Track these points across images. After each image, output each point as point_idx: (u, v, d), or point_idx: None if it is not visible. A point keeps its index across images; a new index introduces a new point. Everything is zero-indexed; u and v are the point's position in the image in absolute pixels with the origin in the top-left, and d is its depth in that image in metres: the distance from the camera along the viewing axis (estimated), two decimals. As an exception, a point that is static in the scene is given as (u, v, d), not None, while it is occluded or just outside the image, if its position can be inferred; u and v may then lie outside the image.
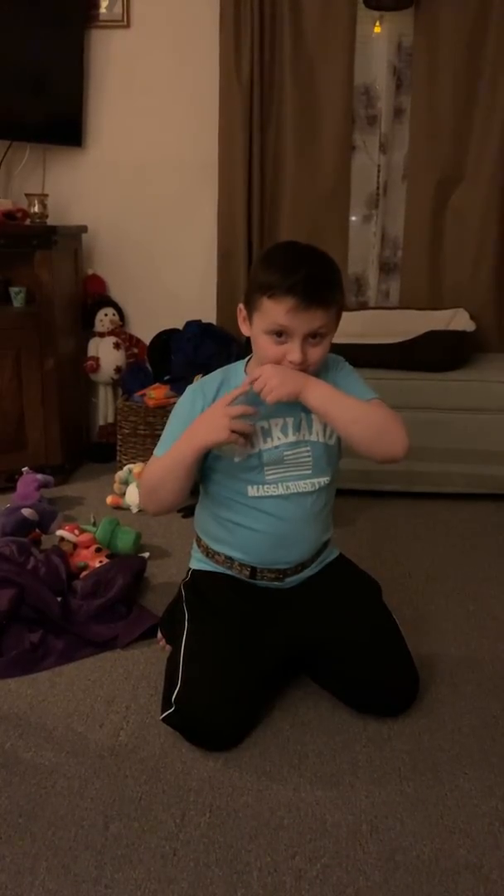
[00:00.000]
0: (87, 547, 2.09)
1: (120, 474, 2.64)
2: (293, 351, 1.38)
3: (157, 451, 1.51)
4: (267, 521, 1.51)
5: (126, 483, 2.61)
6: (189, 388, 1.55)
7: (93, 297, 3.07)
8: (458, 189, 2.90)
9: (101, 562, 2.02)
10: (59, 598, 1.82)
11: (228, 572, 1.59)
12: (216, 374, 1.55)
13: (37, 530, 2.25)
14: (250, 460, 1.48)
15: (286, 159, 2.90)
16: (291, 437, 1.50)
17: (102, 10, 2.86)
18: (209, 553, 1.61)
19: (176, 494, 1.47)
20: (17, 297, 2.68)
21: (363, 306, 3.08)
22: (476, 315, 2.80)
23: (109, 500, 2.59)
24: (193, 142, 2.95)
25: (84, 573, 1.98)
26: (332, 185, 2.92)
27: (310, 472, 1.52)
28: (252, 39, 2.75)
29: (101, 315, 3.03)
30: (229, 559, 1.57)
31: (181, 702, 1.41)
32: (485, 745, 1.44)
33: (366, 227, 3.06)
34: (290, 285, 1.33)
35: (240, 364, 1.55)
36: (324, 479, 1.53)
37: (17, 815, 1.26)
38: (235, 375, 1.53)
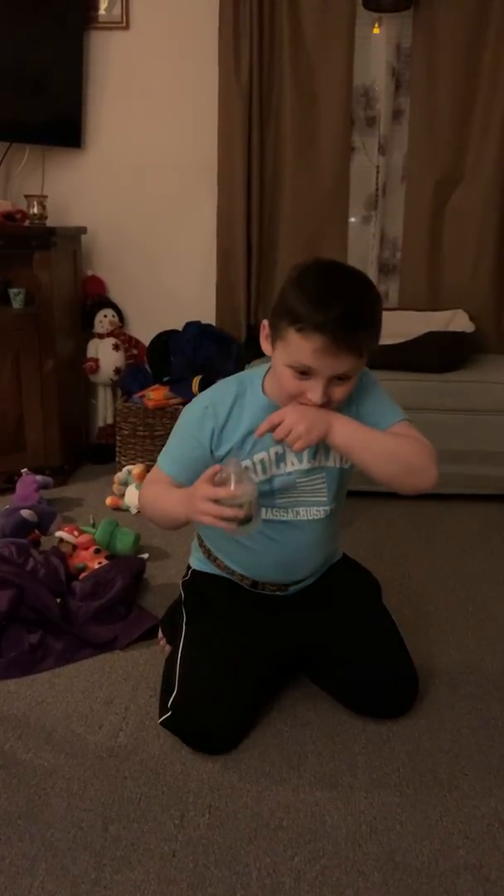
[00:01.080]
0: (87, 548, 2.09)
1: (119, 475, 2.64)
2: (315, 391, 1.24)
3: (161, 464, 1.42)
4: (272, 546, 1.45)
5: (125, 484, 2.61)
6: (200, 402, 1.41)
7: (92, 298, 3.07)
8: (457, 190, 2.90)
9: (100, 563, 2.02)
10: (58, 600, 1.82)
11: (229, 577, 1.56)
12: (230, 388, 1.39)
13: (36, 531, 2.25)
14: (262, 485, 1.39)
15: (285, 160, 2.90)
16: (306, 464, 1.41)
17: (102, 11, 2.87)
18: (210, 556, 1.58)
19: (174, 528, 1.41)
20: (17, 298, 2.68)
21: (362, 307, 3.07)
22: (475, 316, 2.81)
23: (109, 501, 2.59)
24: (193, 143, 2.95)
25: (83, 574, 1.98)
26: (331, 186, 2.92)
27: (325, 499, 1.44)
28: (251, 41, 2.76)
29: (100, 316, 3.03)
30: (230, 569, 1.55)
31: (178, 707, 1.40)
32: (484, 746, 1.44)
33: (365, 228, 3.07)
34: (322, 322, 1.18)
35: (256, 377, 1.39)
36: (333, 506, 1.47)
37: (17, 816, 1.26)
38: (252, 393, 1.38)
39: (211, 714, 1.39)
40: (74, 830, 1.23)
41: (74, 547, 2.10)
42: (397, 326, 2.80)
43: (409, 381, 2.50)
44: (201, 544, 1.60)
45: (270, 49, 2.81)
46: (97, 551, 2.08)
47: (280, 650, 1.53)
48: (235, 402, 1.38)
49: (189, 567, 1.66)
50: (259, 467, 1.40)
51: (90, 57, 2.91)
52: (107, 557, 2.06)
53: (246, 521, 1.21)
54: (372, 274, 3.06)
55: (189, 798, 1.30)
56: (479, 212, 2.86)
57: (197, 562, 1.64)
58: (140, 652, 1.74)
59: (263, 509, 1.39)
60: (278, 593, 1.55)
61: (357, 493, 2.62)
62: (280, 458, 1.40)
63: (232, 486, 1.20)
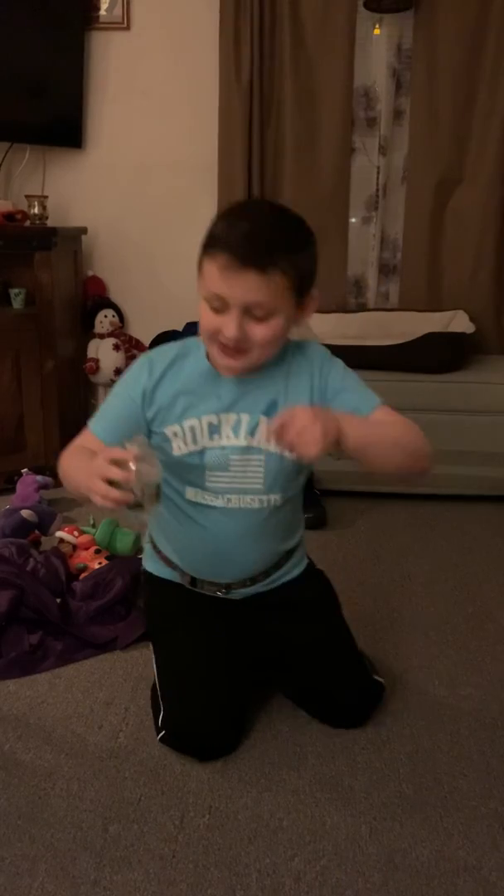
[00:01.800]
0: (87, 548, 2.09)
1: (119, 476, 2.64)
2: (228, 324, 1.17)
3: (91, 425, 1.32)
4: (200, 533, 1.37)
5: (125, 484, 2.60)
6: (140, 358, 1.36)
7: (92, 298, 3.07)
8: (457, 191, 2.90)
9: (100, 563, 2.02)
10: (58, 600, 1.82)
11: (174, 578, 1.49)
12: (173, 348, 1.34)
13: (36, 532, 2.25)
14: (191, 457, 1.31)
15: (286, 161, 2.90)
16: (243, 441, 1.30)
17: (102, 11, 2.87)
18: (156, 548, 1.51)
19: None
20: (17, 298, 2.68)
21: (362, 308, 3.07)
22: (475, 317, 2.80)
23: (109, 501, 2.58)
24: (193, 143, 2.95)
25: (83, 575, 1.98)
26: (331, 186, 2.92)
27: (260, 486, 1.33)
28: (252, 41, 2.76)
29: (100, 316, 3.03)
30: (170, 561, 1.48)
31: (168, 726, 1.41)
32: (484, 747, 1.44)
33: (365, 229, 3.06)
34: (226, 238, 1.15)
35: (203, 343, 1.31)
36: (275, 497, 1.35)
37: (16, 816, 1.26)
38: (195, 357, 1.32)
39: (200, 726, 1.38)
40: (74, 831, 1.23)
41: (74, 547, 2.10)
42: (397, 327, 2.81)
43: (409, 382, 2.50)
44: (150, 533, 1.52)
45: (271, 49, 2.81)
46: (97, 552, 2.08)
47: (246, 654, 1.47)
48: (175, 361, 1.32)
49: (143, 570, 1.57)
50: (189, 435, 1.30)
51: (91, 57, 2.91)
52: (107, 558, 2.05)
53: (137, 506, 1.10)
54: (372, 274, 3.07)
55: (189, 799, 1.30)
56: (479, 213, 2.86)
57: (148, 559, 1.55)
58: (140, 652, 1.73)
59: (195, 489, 1.32)
60: (219, 594, 1.46)
61: (357, 494, 2.63)
62: (214, 429, 1.30)
63: (131, 466, 1.08)
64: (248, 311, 1.18)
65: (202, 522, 1.37)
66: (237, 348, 1.21)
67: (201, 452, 1.31)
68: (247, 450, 1.31)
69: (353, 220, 3.04)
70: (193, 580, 1.47)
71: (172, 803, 1.29)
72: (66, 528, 2.16)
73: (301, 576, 1.54)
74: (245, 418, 1.30)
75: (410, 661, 1.71)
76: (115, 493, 1.07)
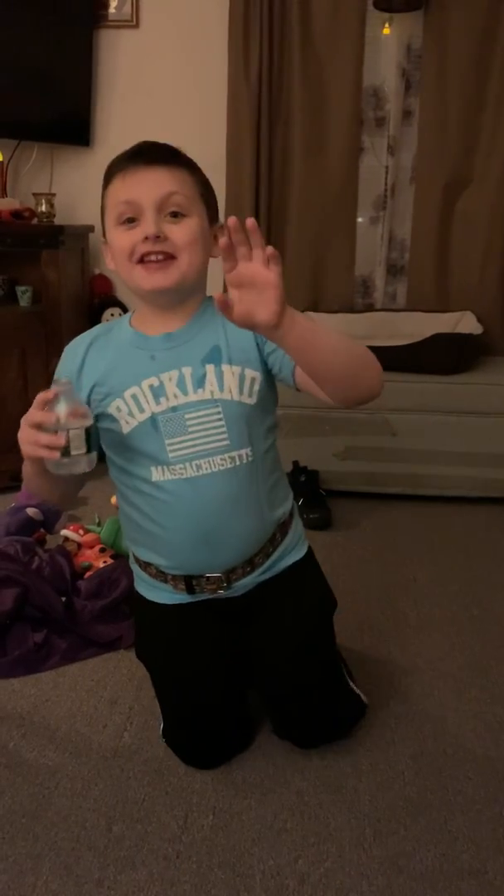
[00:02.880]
0: (92, 547, 2.09)
1: (125, 474, 2.64)
2: (146, 224, 1.15)
3: None
4: (184, 515, 1.25)
5: (131, 483, 2.60)
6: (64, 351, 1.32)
7: (99, 296, 3.07)
8: (465, 192, 2.89)
9: (105, 562, 2.02)
10: (63, 598, 1.82)
11: (164, 589, 1.35)
12: (90, 332, 1.31)
13: (41, 530, 2.25)
14: (143, 429, 1.22)
15: (294, 160, 2.89)
16: (193, 396, 1.22)
17: (111, 10, 2.87)
18: (141, 565, 1.38)
19: (53, 497, 1.28)
20: (24, 296, 2.68)
21: (370, 308, 3.07)
22: (483, 318, 2.80)
23: (114, 500, 2.57)
24: (201, 142, 2.91)
25: (88, 573, 1.98)
26: (339, 186, 2.92)
27: (225, 442, 1.22)
28: (261, 40, 2.76)
29: (107, 315, 3.03)
30: (161, 572, 1.33)
31: (168, 738, 1.41)
32: (489, 750, 1.43)
33: (373, 229, 3.06)
34: (124, 157, 1.19)
35: (125, 317, 1.31)
36: (245, 452, 1.24)
37: (20, 815, 1.26)
38: (118, 330, 1.29)
39: (199, 741, 1.37)
40: (78, 830, 1.23)
41: (79, 545, 2.10)
42: (405, 327, 2.80)
43: (416, 383, 2.50)
44: (132, 554, 1.42)
45: (280, 48, 2.81)
46: (102, 550, 2.08)
47: (235, 661, 1.40)
48: (95, 339, 1.29)
49: (134, 592, 1.46)
50: (133, 405, 1.22)
51: (99, 55, 2.91)
52: (112, 557, 2.05)
53: (66, 452, 1.05)
54: (380, 274, 3.06)
55: (193, 799, 1.30)
56: (487, 214, 2.85)
57: (138, 580, 1.43)
58: (144, 652, 1.73)
59: (159, 467, 1.23)
60: (220, 593, 1.33)
61: (361, 495, 2.63)
62: (158, 392, 1.21)
63: (56, 409, 1.06)
64: (162, 209, 1.16)
65: (179, 504, 1.25)
66: (163, 256, 1.16)
67: (153, 420, 1.22)
68: (199, 404, 1.22)
69: (360, 219, 3.03)
70: (190, 584, 1.32)
71: (176, 803, 1.29)
72: (72, 527, 2.16)
73: (302, 562, 1.41)
74: (188, 371, 1.22)
75: (415, 664, 1.71)
76: (42, 436, 1.04)
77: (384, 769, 1.38)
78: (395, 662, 1.71)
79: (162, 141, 1.25)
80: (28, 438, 1.05)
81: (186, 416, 1.22)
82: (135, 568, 1.41)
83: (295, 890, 1.13)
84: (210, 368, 1.22)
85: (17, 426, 1.10)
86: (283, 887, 1.13)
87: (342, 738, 1.42)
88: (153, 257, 1.17)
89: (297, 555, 1.41)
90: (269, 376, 1.27)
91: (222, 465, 1.23)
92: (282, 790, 1.32)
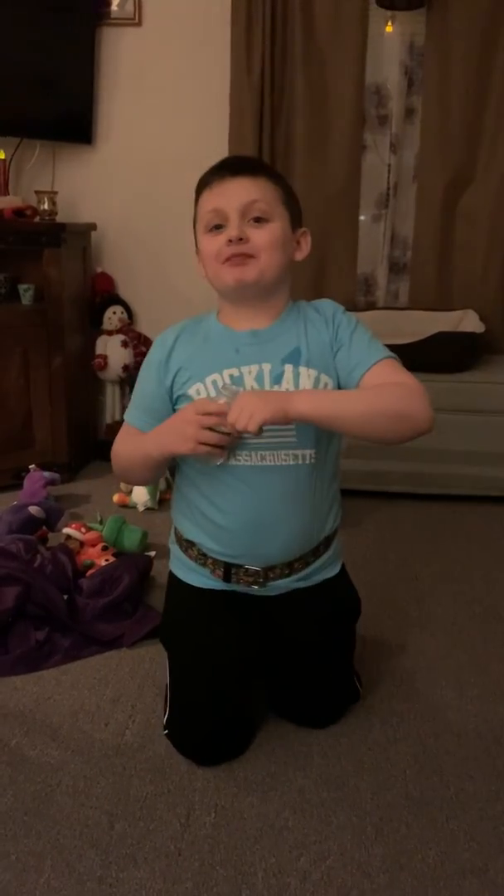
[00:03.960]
0: (94, 545, 2.09)
1: (127, 472, 2.64)
2: (230, 228, 1.26)
3: (127, 417, 1.40)
4: (240, 500, 1.32)
5: (133, 481, 2.60)
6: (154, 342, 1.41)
7: (101, 294, 3.07)
8: (468, 190, 2.88)
9: (107, 560, 2.02)
10: (65, 596, 1.82)
11: (201, 573, 1.42)
12: (181, 322, 1.40)
13: (43, 528, 2.25)
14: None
15: (296, 158, 2.89)
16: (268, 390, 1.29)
17: (114, 7, 2.86)
18: (183, 545, 1.45)
19: (148, 479, 1.46)
20: (26, 294, 2.69)
21: (371, 306, 3.07)
22: (485, 316, 2.79)
23: (116, 498, 2.59)
24: (204, 140, 2.94)
25: (90, 571, 1.98)
26: (341, 184, 2.91)
27: (293, 440, 1.29)
28: (263, 38, 2.75)
29: (109, 313, 3.03)
30: (202, 555, 1.41)
31: (171, 730, 1.42)
32: (491, 748, 1.43)
33: (375, 227, 3.05)
34: (214, 169, 1.31)
35: (212, 312, 1.40)
36: (309, 452, 1.31)
37: (23, 812, 1.26)
38: (207, 321, 1.38)
39: (202, 742, 1.38)
40: (80, 828, 1.23)
41: (82, 544, 2.10)
42: (407, 326, 2.80)
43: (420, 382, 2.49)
44: (176, 532, 1.49)
45: (282, 46, 2.80)
46: (104, 548, 2.08)
47: (256, 656, 1.44)
48: (185, 328, 1.38)
49: (170, 572, 1.53)
50: (213, 390, 1.30)
51: (102, 53, 2.91)
52: (114, 555, 2.06)
53: (219, 448, 1.22)
54: (382, 273, 3.06)
55: (195, 797, 1.30)
56: (490, 212, 2.84)
57: (175, 560, 1.51)
58: (146, 650, 1.73)
59: (226, 453, 1.29)
60: (255, 588, 1.39)
61: (364, 493, 2.63)
62: (236, 382, 1.29)
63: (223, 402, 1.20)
64: (245, 215, 1.26)
65: (239, 489, 1.31)
66: (244, 254, 1.26)
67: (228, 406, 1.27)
68: None
69: (363, 217, 3.03)
70: (228, 572, 1.38)
71: (178, 801, 1.29)
72: (74, 525, 2.17)
73: (335, 578, 1.48)
74: (267, 368, 1.29)
75: (417, 662, 1.71)
76: (214, 436, 1.19)
77: (386, 767, 1.38)
78: (397, 660, 1.71)
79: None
80: (202, 437, 1.19)
81: None
82: (174, 548, 1.50)
83: (296, 888, 1.13)
84: (288, 368, 1.29)
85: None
86: (285, 885, 1.14)
87: (334, 723, 1.49)
88: (236, 259, 1.27)
89: (333, 571, 1.48)
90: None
91: (285, 460, 1.30)
92: (283, 788, 1.32)
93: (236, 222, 1.25)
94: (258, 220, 1.27)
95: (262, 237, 1.26)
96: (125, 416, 1.43)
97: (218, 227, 1.28)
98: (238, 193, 1.26)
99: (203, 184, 1.31)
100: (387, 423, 1.23)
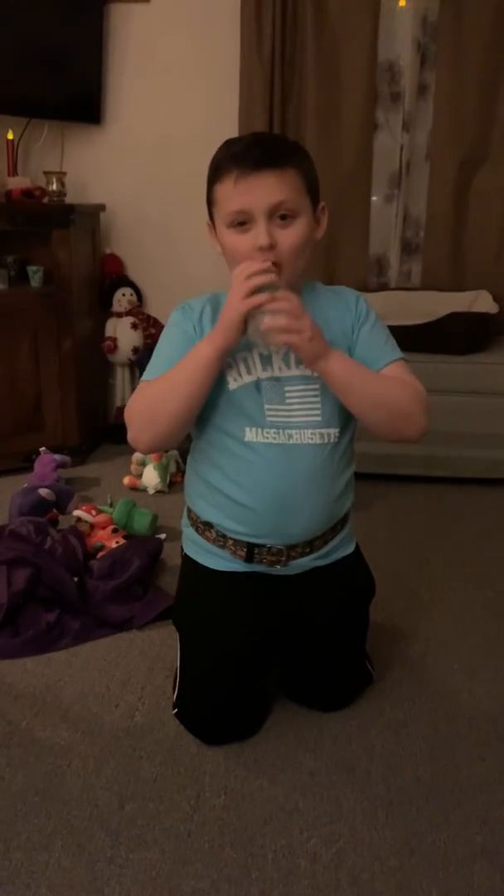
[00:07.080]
0: (104, 528, 2.09)
1: (137, 455, 2.64)
2: (259, 234, 1.20)
3: (147, 375, 1.32)
4: (261, 476, 1.30)
5: (143, 464, 2.60)
6: (174, 310, 1.38)
7: (110, 276, 3.06)
8: (481, 169, 2.84)
9: (117, 543, 2.02)
10: (75, 579, 1.82)
11: (220, 555, 1.40)
12: (202, 297, 1.38)
13: (54, 510, 2.25)
14: (247, 391, 1.29)
15: (307, 137, 2.85)
16: (295, 371, 1.30)
17: (122, -16, 2.82)
18: (199, 528, 1.43)
19: (181, 416, 1.26)
20: (35, 276, 2.67)
21: (384, 287, 3.03)
22: (499, 297, 2.75)
23: (126, 481, 2.59)
24: (214, 119, 2.91)
25: (100, 554, 1.98)
26: (353, 163, 2.87)
27: (318, 418, 1.30)
28: (273, 14, 2.70)
29: (118, 295, 3.02)
30: (222, 536, 1.38)
31: (182, 709, 1.42)
32: (502, 732, 1.42)
33: (388, 207, 3.01)
34: (232, 153, 1.21)
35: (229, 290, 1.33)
36: (334, 431, 1.32)
37: (33, 793, 1.26)
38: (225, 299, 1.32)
39: (215, 713, 1.38)
40: (90, 808, 1.23)
41: (92, 526, 2.10)
42: (419, 307, 2.77)
43: (431, 363, 2.46)
44: (190, 514, 1.47)
45: (293, 22, 2.75)
46: (115, 531, 2.08)
47: (269, 638, 1.43)
48: (208, 303, 1.35)
49: (183, 555, 1.52)
50: (242, 366, 1.30)
51: (110, 32, 2.87)
52: (124, 537, 2.05)
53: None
54: (394, 253, 3.02)
55: (205, 779, 1.30)
56: (503, 192, 2.80)
57: (189, 543, 1.49)
58: (156, 632, 1.74)
59: (255, 429, 1.30)
60: (277, 567, 1.38)
61: (375, 476, 2.61)
62: (266, 361, 1.30)
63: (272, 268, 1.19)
64: (272, 215, 1.21)
65: (265, 467, 1.30)
66: (272, 261, 1.22)
67: (257, 384, 1.29)
68: (300, 379, 1.30)
69: (374, 197, 2.99)
70: (251, 552, 1.36)
71: (188, 783, 1.29)
72: (84, 507, 2.16)
73: (351, 556, 1.49)
74: None
75: (429, 645, 1.70)
76: (264, 297, 1.16)
77: (396, 750, 1.37)
78: (409, 644, 1.70)
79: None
80: (259, 301, 1.16)
81: (286, 389, 1.30)
82: (188, 531, 1.48)
83: (307, 869, 1.13)
84: None
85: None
86: (295, 867, 1.13)
87: (347, 706, 1.49)
88: None
89: (349, 549, 1.49)
90: None
91: (311, 439, 1.31)
92: (294, 770, 1.32)
93: (264, 226, 1.21)
94: (284, 217, 1.22)
95: (290, 240, 1.23)
96: (143, 378, 1.34)
97: (242, 224, 1.23)
98: (266, 194, 1.20)
99: (222, 169, 1.23)
100: (387, 415, 1.27)
